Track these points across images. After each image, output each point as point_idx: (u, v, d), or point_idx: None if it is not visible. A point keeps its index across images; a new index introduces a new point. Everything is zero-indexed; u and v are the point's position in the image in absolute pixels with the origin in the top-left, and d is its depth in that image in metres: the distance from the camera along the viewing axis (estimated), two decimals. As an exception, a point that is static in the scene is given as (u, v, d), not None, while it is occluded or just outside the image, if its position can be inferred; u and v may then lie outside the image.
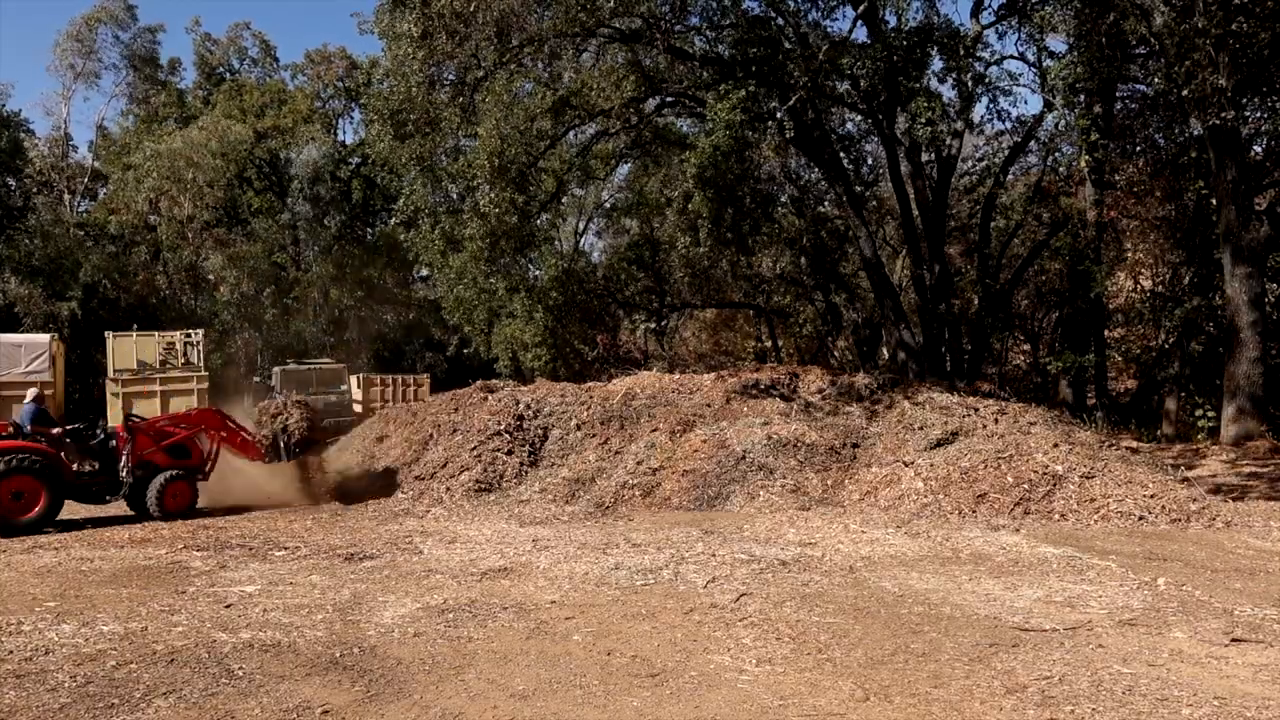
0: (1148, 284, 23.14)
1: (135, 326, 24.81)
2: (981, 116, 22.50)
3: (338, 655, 5.58)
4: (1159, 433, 19.11)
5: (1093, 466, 11.20)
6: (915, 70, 16.87)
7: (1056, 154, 20.93)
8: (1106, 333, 22.89)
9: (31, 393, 12.08)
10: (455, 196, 20.21)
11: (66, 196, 37.58)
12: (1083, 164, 18.06)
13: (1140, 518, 10.13)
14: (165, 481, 11.77)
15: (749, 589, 7.16)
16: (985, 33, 19.35)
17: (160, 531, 10.45)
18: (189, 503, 11.95)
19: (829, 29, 19.38)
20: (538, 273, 27.71)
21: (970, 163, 24.31)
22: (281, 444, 13.32)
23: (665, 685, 5.02)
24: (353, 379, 27.72)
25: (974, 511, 10.65)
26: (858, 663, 5.35)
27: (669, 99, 20.24)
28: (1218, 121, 14.82)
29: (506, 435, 13.92)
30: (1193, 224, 19.82)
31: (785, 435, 13.00)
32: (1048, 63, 18.41)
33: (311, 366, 26.40)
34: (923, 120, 15.33)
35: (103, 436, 12.07)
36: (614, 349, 32.29)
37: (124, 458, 11.69)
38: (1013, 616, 6.30)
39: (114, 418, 22.45)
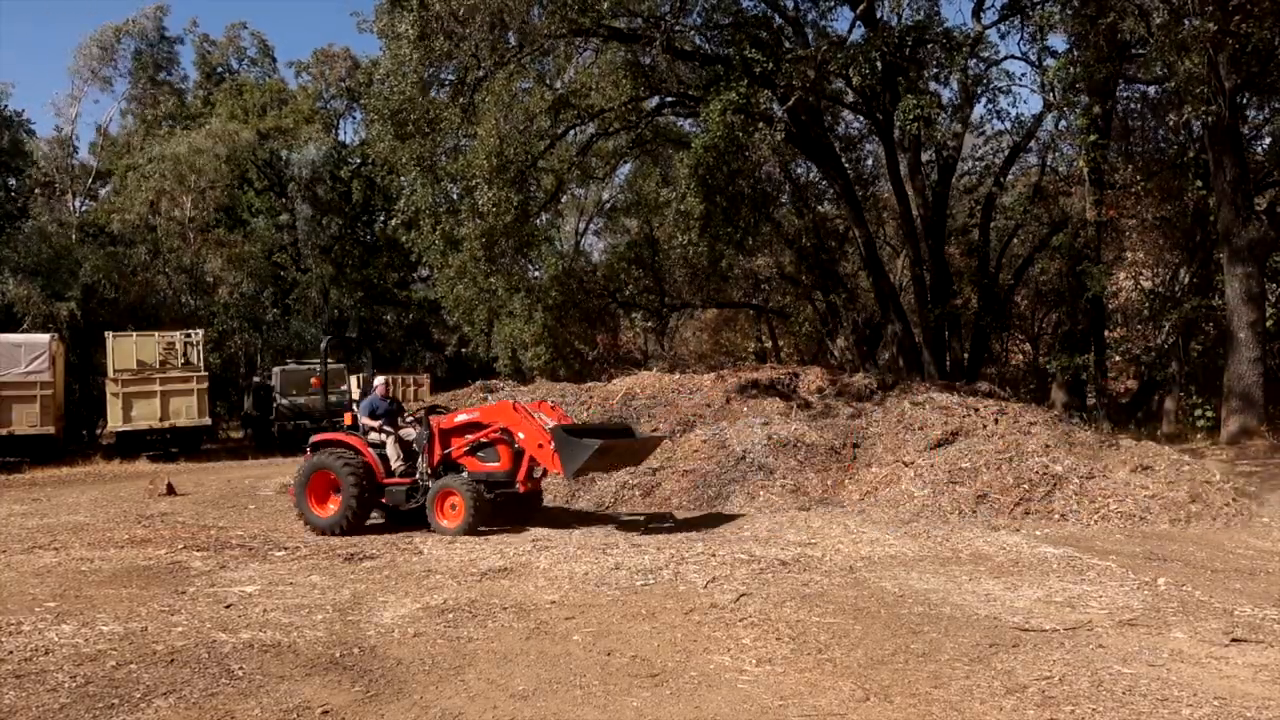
0: (1147, 284, 23.13)
1: (130, 326, 24.77)
2: (981, 116, 22.59)
3: (338, 655, 5.58)
4: (1158, 432, 19.11)
5: (1093, 466, 11.21)
6: (913, 69, 16.88)
7: (1056, 154, 20.94)
8: (1106, 333, 22.89)
9: (378, 381, 11.20)
10: (455, 196, 20.23)
11: (69, 198, 37.67)
12: (1082, 164, 18.06)
13: (1140, 518, 10.14)
14: (439, 490, 9.99)
15: (749, 589, 7.16)
16: (987, 33, 19.38)
17: (160, 532, 10.44)
18: (464, 519, 9.78)
19: (828, 28, 19.43)
20: (538, 272, 27.71)
21: (970, 163, 24.33)
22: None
23: (665, 685, 5.02)
24: (352, 379, 27.71)
25: (974, 512, 10.66)
26: (858, 663, 5.35)
27: (669, 99, 20.25)
28: (1211, 117, 14.85)
29: (506, 435, 13.89)
30: (1192, 224, 19.82)
31: (785, 435, 13.01)
32: (1047, 62, 18.43)
33: (311, 366, 26.39)
34: (910, 115, 15.34)
35: (419, 431, 10.47)
36: (614, 349, 32.28)
37: (422, 457, 10.25)
38: (1013, 616, 6.30)
39: (114, 418, 22.51)
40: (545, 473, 10.60)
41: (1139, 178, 20.25)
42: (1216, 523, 10.06)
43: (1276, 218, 18.37)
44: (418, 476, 10.27)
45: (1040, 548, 8.72)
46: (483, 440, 10.26)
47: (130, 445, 22.11)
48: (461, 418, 10.59)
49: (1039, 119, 21.54)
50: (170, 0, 48.85)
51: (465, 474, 10.16)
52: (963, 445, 12.13)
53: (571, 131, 20.56)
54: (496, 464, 10.21)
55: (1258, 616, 6.34)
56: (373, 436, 10.54)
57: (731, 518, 11.02)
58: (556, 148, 20.21)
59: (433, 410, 11.09)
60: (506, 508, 10.38)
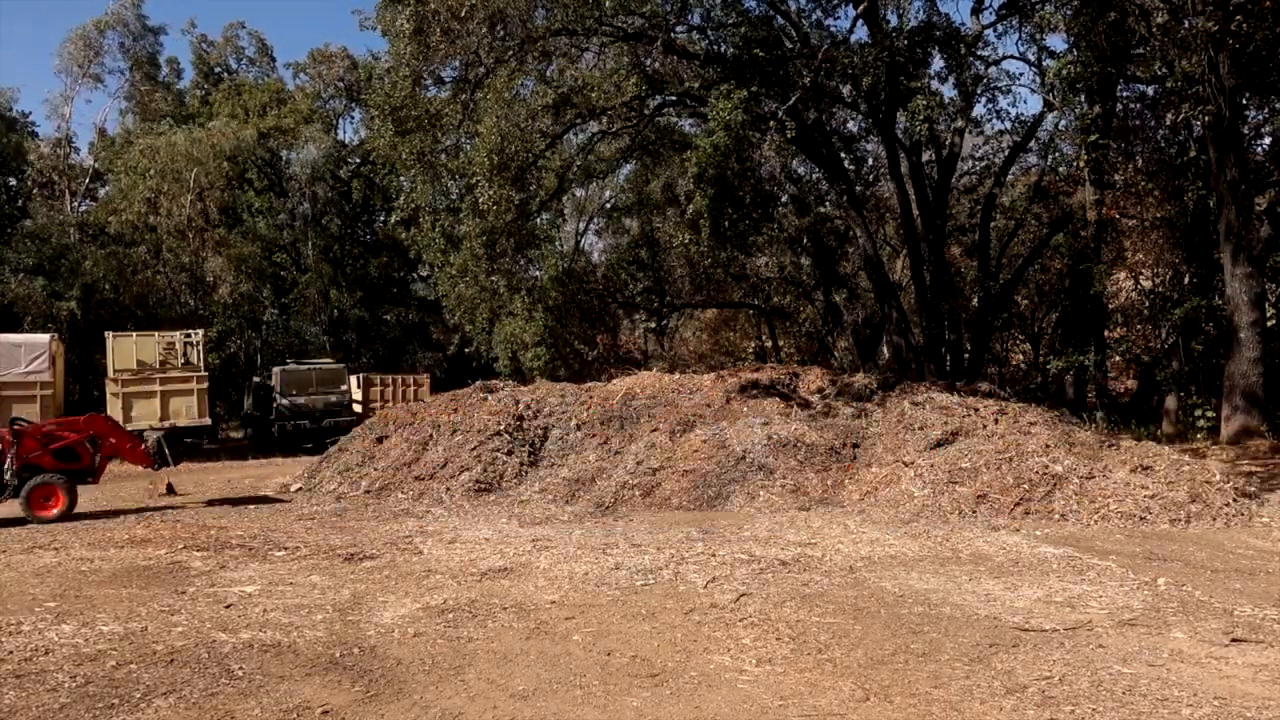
0: (1148, 284, 23.12)
1: (130, 326, 24.72)
2: (981, 116, 22.59)
3: (338, 655, 5.58)
4: (1159, 432, 19.10)
5: (1093, 466, 11.20)
6: (916, 69, 16.87)
7: (1056, 154, 20.93)
8: (1106, 333, 22.87)
9: None
10: (456, 194, 20.21)
11: (68, 197, 37.68)
12: (1082, 164, 18.05)
13: (1140, 518, 10.13)
14: (35, 485, 11.94)
15: (749, 589, 7.16)
16: (985, 32, 19.38)
17: (160, 532, 10.45)
18: (62, 507, 11.95)
19: (830, 28, 19.44)
20: (538, 272, 27.69)
21: (970, 162, 24.33)
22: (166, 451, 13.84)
23: (665, 685, 5.02)
24: (353, 379, 27.71)
25: (974, 512, 10.66)
26: (858, 663, 5.35)
27: (671, 99, 20.24)
28: (1210, 117, 14.84)
29: (506, 435, 13.92)
30: (1193, 224, 19.80)
31: (785, 435, 13.01)
32: (1047, 62, 18.42)
33: (311, 366, 26.39)
34: (920, 117, 15.35)
35: None
36: (614, 349, 32.28)
37: (8, 460, 12.09)
38: (1013, 616, 6.30)
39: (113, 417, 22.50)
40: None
41: (1139, 178, 20.23)
42: (1216, 523, 10.05)
43: (1276, 218, 18.36)
44: (6, 477, 11.99)
45: (1040, 548, 8.72)
46: (70, 445, 12.43)
47: None
48: (49, 428, 12.82)
49: (1039, 119, 21.54)
50: (165, -2, 49.01)
51: (59, 473, 12.16)
52: (963, 445, 12.13)
53: (573, 131, 20.55)
54: (79, 463, 12.51)
55: (1258, 616, 6.33)
56: None
57: (731, 517, 10.98)
58: (558, 147, 20.21)
59: (15, 421, 13.04)
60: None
